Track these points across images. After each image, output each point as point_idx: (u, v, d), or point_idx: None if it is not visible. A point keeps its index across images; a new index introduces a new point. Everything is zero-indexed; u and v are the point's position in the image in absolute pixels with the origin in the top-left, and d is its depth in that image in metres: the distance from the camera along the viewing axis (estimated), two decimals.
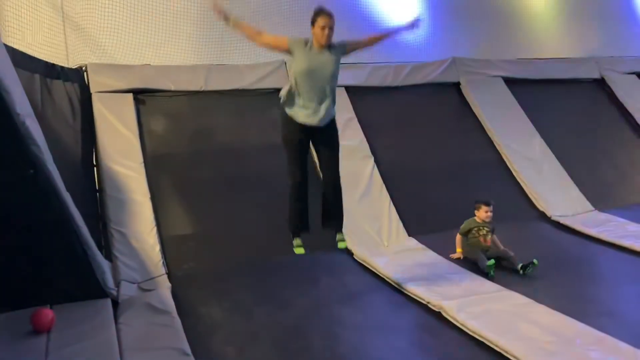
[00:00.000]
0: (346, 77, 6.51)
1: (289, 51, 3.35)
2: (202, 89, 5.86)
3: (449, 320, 3.71)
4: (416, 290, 4.11)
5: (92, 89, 5.37)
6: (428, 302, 3.95)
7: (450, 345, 3.50)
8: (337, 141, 3.47)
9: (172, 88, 5.75)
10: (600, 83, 8.06)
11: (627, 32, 8.88)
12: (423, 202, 5.78)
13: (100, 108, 5.27)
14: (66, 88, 5.05)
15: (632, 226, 5.58)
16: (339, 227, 3.42)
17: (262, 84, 6.15)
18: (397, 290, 4.29)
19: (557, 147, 6.76)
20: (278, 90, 6.33)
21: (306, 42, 3.35)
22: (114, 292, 4.06)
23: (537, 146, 6.74)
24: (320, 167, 3.48)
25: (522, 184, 6.31)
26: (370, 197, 5.61)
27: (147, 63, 5.82)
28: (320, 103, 3.32)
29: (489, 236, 4.83)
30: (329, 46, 3.36)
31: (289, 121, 3.32)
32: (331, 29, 3.21)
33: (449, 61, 7.15)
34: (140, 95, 5.62)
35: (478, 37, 7.76)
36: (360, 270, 4.75)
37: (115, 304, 3.96)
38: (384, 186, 5.74)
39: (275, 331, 3.68)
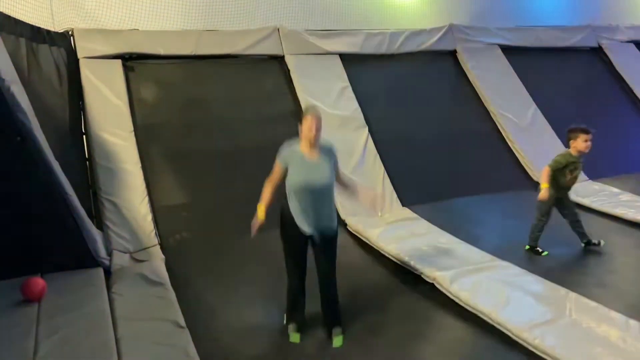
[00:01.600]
0: (340, 44, 6.39)
1: (286, 167, 3.16)
2: (193, 54, 5.70)
3: (442, 291, 3.72)
4: (410, 261, 4.10)
5: (79, 55, 5.22)
6: (421, 273, 3.95)
7: (443, 314, 3.52)
8: (335, 243, 3.23)
9: (162, 53, 5.59)
10: (598, 51, 7.97)
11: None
12: (417, 172, 5.74)
13: (87, 74, 5.13)
14: (52, 53, 4.89)
15: (625, 196, 5.60)
16: (336, 325, 3.21)
17: (255, 50, 6.01)
18: (391, 260, 4.28)
19: (553, 117, 6.71)
20: (272, 57, 6.33)
21: (294, 150, 3.18)
22: (106, 262, 4.03)
23: (533, 115, 6.70)
24: (316, 263, 3.23)
25: (516, 153, 6.29)
26: (364, 167, 5.56)
27: (135, 28, 5.65)
28: (320, 211, 3.15)
29: (579, 176, 4.33)
30: (319, 148, 3.18)
31: (290, 221, 3.13)
32: (318, 127, 3.10)
33: (446, 28, 7.01)
34: (130, 62, 5.47)
35: (476, 4, 7.61)
36: (355, 241, 4.74)
37: (108, 273, 3.93)
38: (378, 156, 5.69)
39: (270, 298, 3.67)
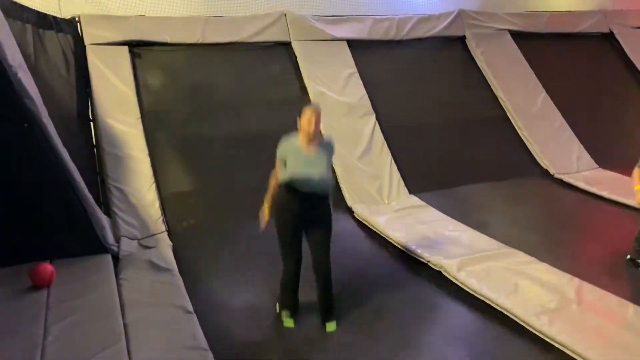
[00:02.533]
0: (348, 30, 6.33)
1: (284, 160, 3.17)
2: (199, 42, 5.67)
3: (449, 279, 3.71)
4: (416, 249, 4.10)
5: (86, 41, 5.19)
6: (428, 261, 3.94)
7: (449, 302, 3.52)
8: (330, 224, 3.24)
9: (168, 40, 5.56)
10: (609, 37, 7.84)
11: None
12: (425, 159, 5.71)
13: (94, 61, 5.12)
14: (59, 39, 4.88)
15: None
16: (329, 316, 3.27)
17: (261, 37, 5.95)
18: (397, 248, 4.28)
19: (563, 104, 6.64)
20: (278, 43, 6.28)
21: (292, 143, 3.18)
22: (114, 248, 4.05)
23: (542, 102, 6.62)
24: (310, 251, 3.25)
25: (525, 140, 6.23)
26: (371, 154, 5.53)
27: (142, 14, 5.62)
28: (315, 190, 3.15)
29: None
30: (318, 142, 3.18)
31: (284, 207, 3.16)
32: (317, 122, 3.09)
33: (455, 14, 6.92)
34: (136, 49, 5.44)
35: None
36: (362, 229, 4.73)
37: (116, 260, 3.95)
38: (385, 143, 5.65)
39: (277, 284, 3.67)
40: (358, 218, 4.89)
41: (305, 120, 3.11)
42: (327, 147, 3.24)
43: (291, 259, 3.29)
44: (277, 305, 3.44)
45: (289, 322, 3.31)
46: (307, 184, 3.12)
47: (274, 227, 3.27)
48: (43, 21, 4.70)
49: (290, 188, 3.14)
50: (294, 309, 3.37)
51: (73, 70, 4.95)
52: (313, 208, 3.18)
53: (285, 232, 3.25)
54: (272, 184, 3.25)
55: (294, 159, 3.14)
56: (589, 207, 5.13)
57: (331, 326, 3.28)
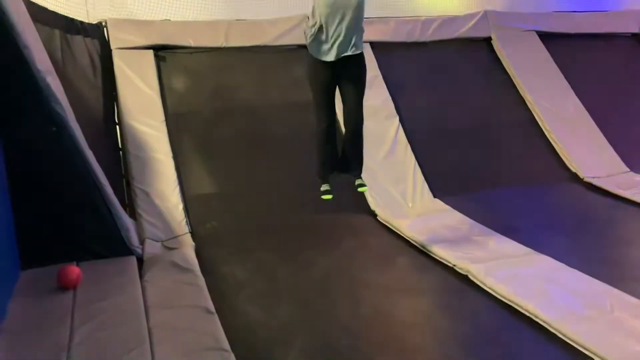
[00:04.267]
0: (371, 32, 6.24)
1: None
2: (223, 45, 5.70)
3: (476, 284, 3.63)
4: (442, 252, 4.03)
5: (113, 45, 5.27)
6: (454, 265, 3.87)
7: (477, 308, 3.44)
8: (363, 79, 3.29)
9: (192, 44, 5.60)
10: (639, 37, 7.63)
11: None
12: (449, 162, 5.62)
13: (120, 65, 5.19)
14: (86, 44, 4.96)
15: None
16: (358, 172, 3.27)
17: (284, 40, 5.95)
18: (422, 252, 4.21)
19: (592, 106, 6.47)
20: (300, 46, 6.26)
21: None
22: (139, 250, 4.09)
23: (571, 105, 6.46)
24: (343, 107, 3.28)
25: (554, 144, 6.08)
26: (394, 157, 5.47)
27: (167, 19, 5.69)
28: (346, 36, 3.15)
29: None
30: None
31: (316, 61, 3.20)
32: None
33: (481, 14, 6.80)
34: (161, 52, 5.50)
35: None
36: (384, 232, 4.68)
37: (140, 261, 3.98)
38: (408, 146, 5.59)
39: (299, 291, 3.65)
40: (381, 221, 4.84)
41: None
42: None
43: (325, 114, 3.26)
44: (318, 172, 3.40)
45: (327, 196, 3.28)
46: (342, 12, 2.98)
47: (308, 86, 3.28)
48: (71, 26, 4.78)
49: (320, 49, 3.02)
50: (336, 169, 3.31)
51: (100, 74, 5.03)
52: (345, 68, 3.17)
53: (318, 87, 3.24)
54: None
55: None
56: (620, 211, 4.98)
57: (363, 188, 3.29)
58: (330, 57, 3.14)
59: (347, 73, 3.18)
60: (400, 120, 5.74)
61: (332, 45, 3.14)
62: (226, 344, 2.91)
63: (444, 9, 6.85)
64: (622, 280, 3.56)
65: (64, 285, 3.45)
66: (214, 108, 5.44)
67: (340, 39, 3.11)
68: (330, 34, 3.09)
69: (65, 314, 3.14)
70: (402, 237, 4.49)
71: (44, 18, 4.27)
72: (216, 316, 3.20)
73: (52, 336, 2.92)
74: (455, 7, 6.93)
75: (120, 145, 4.92)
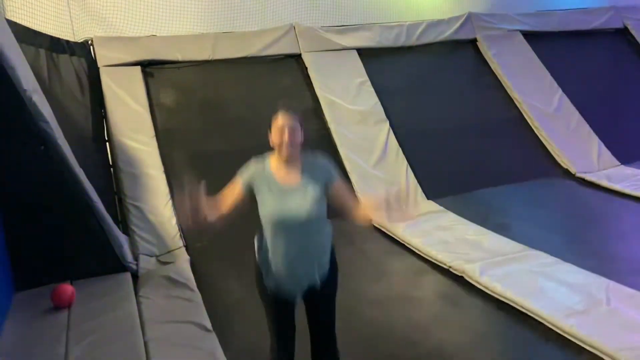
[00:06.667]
0: (357, 39, 6.32)
1: (251, 190, 2.35)
2: (210, 58, 5.72)
3: (472, 284, 3.62)
4: (437, 254, 4.02)
5: (100, 63, 5.28)
6: (450, 267, 3.86)
7: (473, 311, 3.43)
8: (334, 303, 2.36)
9: (180, 59, 5.62)
10: (623, 32, 7.70)
11: None
12: (441, 164, 5.64)
13: (108, 82, 5.19)
14: (73, 63, 4.96)
15: None
16: None
17: (270, 51, 5.98)
18: (417, 255, 4.21)
19: (580, 102, 6.52)
20: (288, 56, 6.32)
21: (264, 168, 2.38)
22: (133, 266, 4.06)
23: (559, 101, 6.51)
24: (309, 329, 2.41)
25: (544, 141, 6.12)
26: (386, 161, 5.48)
27: (153, 34, 5.70)
28: (305, 253, 2.24)
29: None
30: (300, 164, 2.29)
31: (268, 274, 2.31)
32: (292, 131, 2.20)
33: (465, 17, 6.87)
34: (149, 68, 5.51)
35: None
36: (380, 236, 4.67)
37: (135, 277, 3.96)
38: (400, 150, 5.61)
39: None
40: (376, 225, 4.84)
41: (276, 131, 2.16)
42: (317, 171, 2.26)
43: (281, 337, 2.40)
44: None
45: None
46: (290, 227, 2.18)
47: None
48: (56, 45, 4.78)
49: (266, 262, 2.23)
50: None
51: (87, 92, 5.02)
52: (307, 272, 2.24)
53: (271, 309, 2.36)
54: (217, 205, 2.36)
55: (265, 191, 2.25)
56: (613, 205, 5.00)
57: None
58: (291, 287, 2.31)
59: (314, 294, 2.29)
60: (391, 125, 5.76)
61: (290, 269, 2.28)
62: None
63: (429, 14, 6.89)
64: (617, 273, 3.57)
65: (58, 305, 3.42)
66: (203, 121, 5.44)
67: (299, 262, 2.25)
68: (283, 253, 2.25)
69: (60, 333, 3.12)
70: (398, 241, 4.48)
71: (29, 38, 4.28)
72: (213, 333, 3.16)
73: (48, 355, 2.90)
74: (439, 10, 6.97)
75: (110, 162, 4.90)
